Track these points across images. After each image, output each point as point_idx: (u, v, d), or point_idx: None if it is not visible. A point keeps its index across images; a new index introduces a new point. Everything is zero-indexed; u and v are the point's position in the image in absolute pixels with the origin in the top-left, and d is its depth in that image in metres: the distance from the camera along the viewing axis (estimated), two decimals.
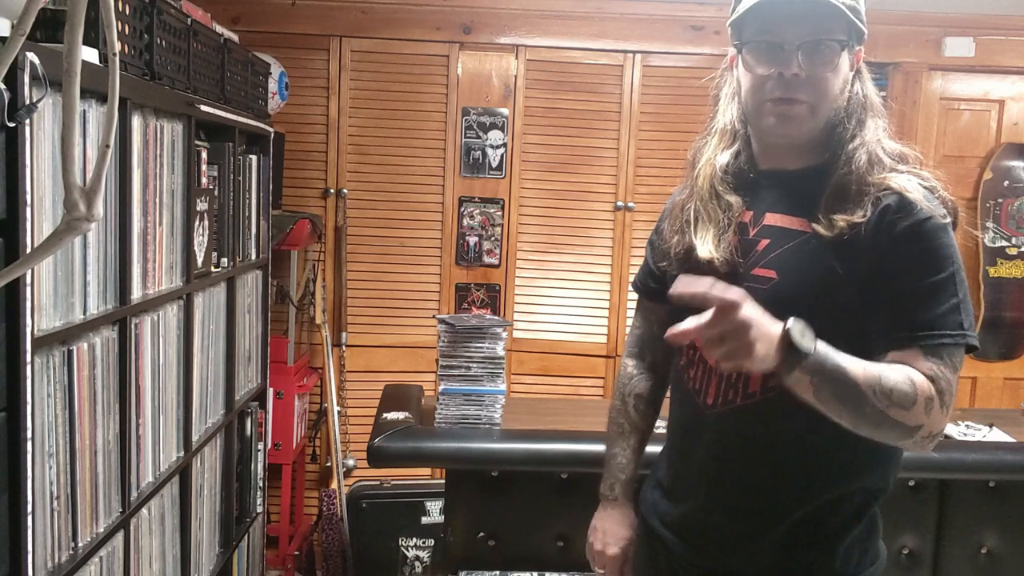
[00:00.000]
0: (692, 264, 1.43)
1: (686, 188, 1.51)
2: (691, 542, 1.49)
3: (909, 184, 1.34)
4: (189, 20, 2.12)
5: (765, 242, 1.39)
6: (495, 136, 3.68)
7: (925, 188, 1.35)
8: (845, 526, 1.39)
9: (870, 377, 1.20)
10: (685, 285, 1.14)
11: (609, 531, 1.64)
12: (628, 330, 1.77)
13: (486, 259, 3.72)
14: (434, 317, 2.64)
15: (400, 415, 2.34)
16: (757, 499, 1.41)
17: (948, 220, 1.32)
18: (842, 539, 1.39)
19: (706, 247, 1.41)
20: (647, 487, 1.64)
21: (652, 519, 1.58)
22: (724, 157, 1.45)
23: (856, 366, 1.20)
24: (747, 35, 1.38)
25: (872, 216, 1.31)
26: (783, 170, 1.43)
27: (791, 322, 1.15)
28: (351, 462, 3.71)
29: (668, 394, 1.63)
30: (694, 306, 1.38)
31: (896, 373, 1.22)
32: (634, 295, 1.75)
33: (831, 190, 1.35)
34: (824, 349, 1.17)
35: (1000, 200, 3.78)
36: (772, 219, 1.41)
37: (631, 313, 3.80)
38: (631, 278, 1.86)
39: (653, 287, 1.61)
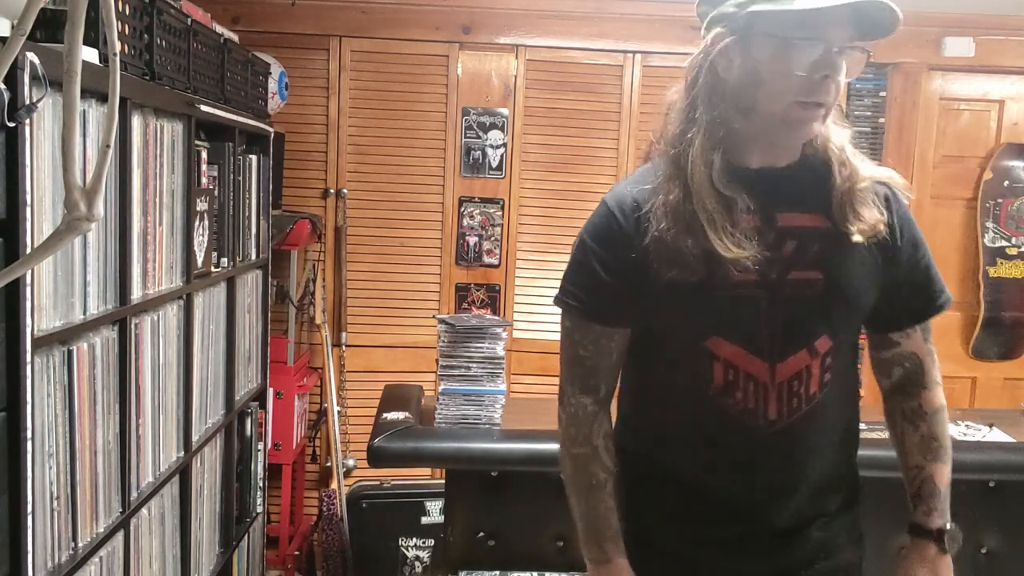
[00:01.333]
0: (718, 266, 1.31)
1: (672, 189, 1.34)
2: (745, 547, 1.42)
3: (882, 171, 1.42)
4: (189, 20, 2.12)
5: (792, 244, 1.34)
6: (495, 136, 3.68)
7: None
8: (857, 488, 1.51)
9: (946, 465, 1.47)
10: None
11: None
12: (574, 359, 1.45)
13: (486, 259, 3.72)
14: (434, 317, 2.64)
15: (400, 415, 2.34)
16: (811, 487, 1.42)
17: None
18: (857, 504, 1.50)
19: (729, 246, 1.29)
20: (649, 516, 1.46)
21: (678, 543, 1.44)
22: (716, 156, 1.33)
23: (946, 474, 1.46)
24: (789, 29, 1.26)
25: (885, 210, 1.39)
26: (772, 167, 1.36)
27: (948, 546, 1.44)
28: (351, 462, 3.71)
29: (669, 429, 1.44)
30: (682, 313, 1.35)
31: (933, 428, 1.47)
32: None
33: (844, 192, 1.35)
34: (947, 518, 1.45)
35: (1000, 200, 3.78)
36: (789, 219, 1.35)
37: None
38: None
39: (615, 308, 1.41)
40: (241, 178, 2.59)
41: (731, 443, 1.38)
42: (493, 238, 3.72)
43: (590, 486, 1.44)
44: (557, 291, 1.46)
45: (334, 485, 3.58)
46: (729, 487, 1.40)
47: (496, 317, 2.88)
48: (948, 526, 1.44)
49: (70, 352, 1.52)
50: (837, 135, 1.39)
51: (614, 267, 1.38)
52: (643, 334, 1.42)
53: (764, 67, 1.29)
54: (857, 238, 1.34)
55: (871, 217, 1.35)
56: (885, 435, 1.53)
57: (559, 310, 1.46)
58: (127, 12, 1.73)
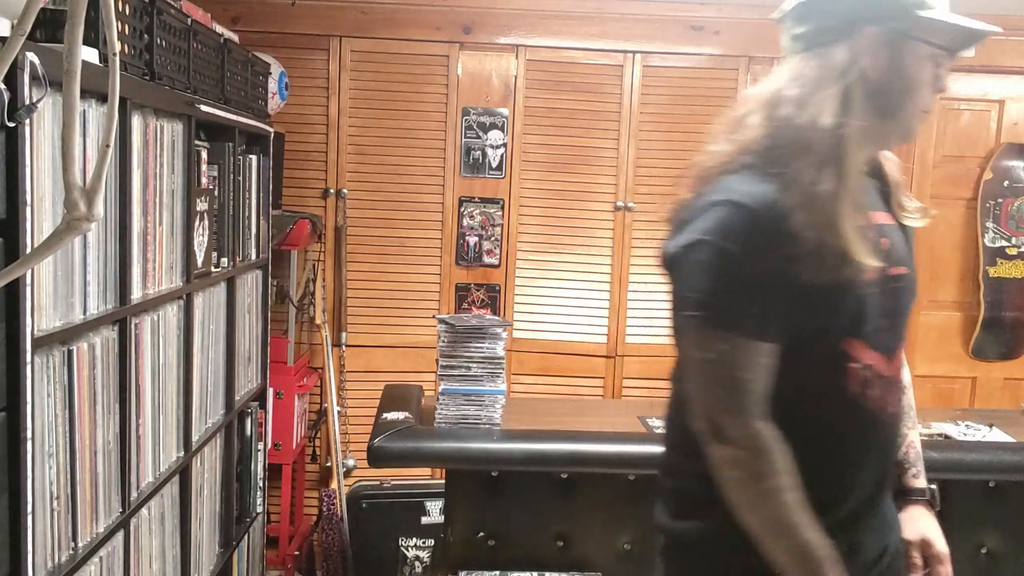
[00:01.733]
0: (853, 271, 1.26)
1: (825, 179, 1.26)
2: (866, 541, 1.41)
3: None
4: (189, 20, 2.12)
5: (886, 241, 1.37)
6: (495, 136, 3.68)
7: None
8: None
9: (917, 432, 1.59)
10: None
11: None
12: (737, 386, 1.29)
13: (486, 259, 3.72)
14: (434, 317, 2.64)
15: (400, 415, 2.34)
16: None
17: None
18: None
19: (868, 254, 1.26)
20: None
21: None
22: (865, 155, 1.34)
23: (918, 438, 1.58)
24: (946, 41, 1.36)
25: None
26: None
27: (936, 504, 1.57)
28: (351, 462, 3.71)
29: (797, 440, 1.31)
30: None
31: (910, 398, 1.58)
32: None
33: (896, 183, 1.45)
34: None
35: (1000, 200, 3.78)
36: (877, 217, 1.38)
37: (632, 313, 3.82)
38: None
39: (774, 320, 1.28)
40: (241, 178, 2.59)
41: (866, 441, 1.37)
42: (493, 238, 3.72)
43: (791, 512, 1.27)
44: (693, 315, 1.29)
45: (334, 485, 3.58)
46: (859, 485, 1.38)
47: (496, 317, 2.88)
48: (932, 486, 1.57)
49: (70, 352, 1.52)
50: None
51: (765, 273, 1.25)
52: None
53: (917, 74, 1.33)
54: (925, 222, 1.45)
55: (915, 203, 1.46)
56: None
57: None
58: (127, 12, 1.73)
